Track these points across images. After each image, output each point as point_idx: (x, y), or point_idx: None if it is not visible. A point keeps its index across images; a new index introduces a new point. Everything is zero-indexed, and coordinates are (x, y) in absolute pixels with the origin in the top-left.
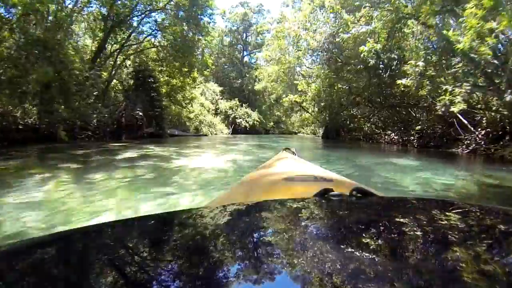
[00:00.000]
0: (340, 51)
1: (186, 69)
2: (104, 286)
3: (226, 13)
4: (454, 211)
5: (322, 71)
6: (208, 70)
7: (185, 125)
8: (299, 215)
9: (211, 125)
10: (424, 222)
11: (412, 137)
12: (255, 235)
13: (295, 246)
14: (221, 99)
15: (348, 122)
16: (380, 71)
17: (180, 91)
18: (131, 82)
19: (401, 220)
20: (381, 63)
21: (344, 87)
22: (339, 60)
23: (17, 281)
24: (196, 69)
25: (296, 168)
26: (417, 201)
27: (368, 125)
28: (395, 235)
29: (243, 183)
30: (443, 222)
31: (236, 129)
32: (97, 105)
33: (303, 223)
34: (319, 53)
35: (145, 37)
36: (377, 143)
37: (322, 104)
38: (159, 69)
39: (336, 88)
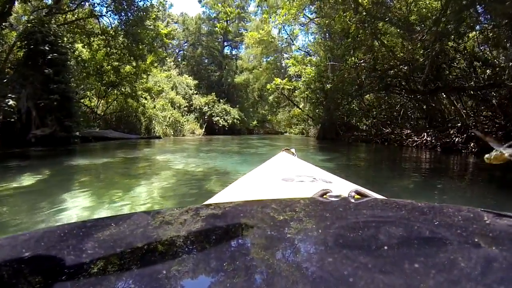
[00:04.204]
0: None
1: (136, 49)
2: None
3: None
4: (452, 215)
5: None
6: (163, 51)
7: (139, 123)
8: (297, 215)
9: (175, 125)
10: (422, 224)
11: (457, 139)
12: (251, 234)
13: (293, 246)
14: (196, 93)
15: (348, 118)
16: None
17: (135, 80)
18: (21, 54)
19: (399, 222)
20: None
21: (361, 63)
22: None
23: None
24: (147, 46)
25: (295, 169)
26: (415, 204)
27: (383, 120)
28: (393, 237)
29: (241, 182)
30: (440, 225)
31: (213, 129)
32: None
33: (300, 223)
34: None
35: (80, 2)
36: (398, 146)
37: (329, 86)
38: (106, 50)
39: (349, 61)
